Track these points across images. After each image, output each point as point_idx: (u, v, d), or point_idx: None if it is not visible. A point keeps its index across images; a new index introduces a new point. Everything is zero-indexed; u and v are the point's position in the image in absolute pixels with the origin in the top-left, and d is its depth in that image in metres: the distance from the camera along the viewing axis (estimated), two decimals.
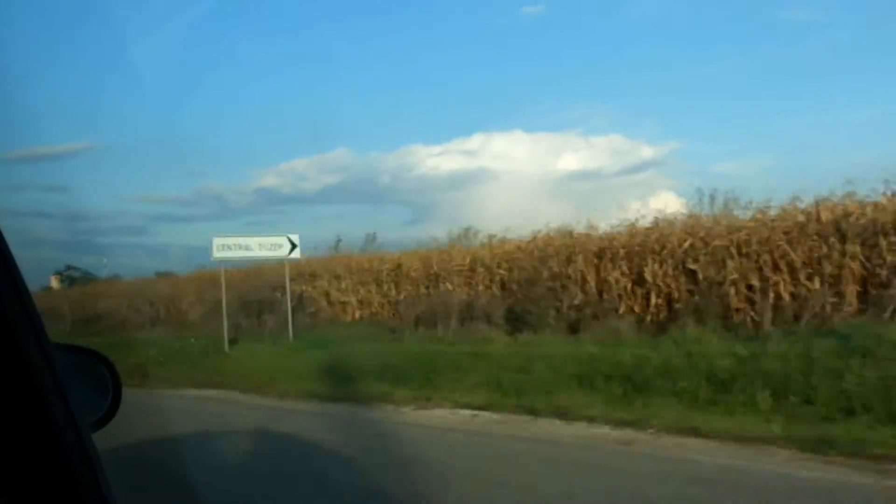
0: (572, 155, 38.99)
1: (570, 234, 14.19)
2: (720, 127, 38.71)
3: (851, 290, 10.18)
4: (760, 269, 10.94)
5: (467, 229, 17.59)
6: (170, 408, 9.49)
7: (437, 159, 41.99)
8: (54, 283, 43.17)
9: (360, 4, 42.82)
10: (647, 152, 40.80)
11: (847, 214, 10.64)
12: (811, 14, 34.28)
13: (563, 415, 7.34)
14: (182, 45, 35.66)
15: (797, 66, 34.41)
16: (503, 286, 14.29)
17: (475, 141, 41.27)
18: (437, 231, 22.25)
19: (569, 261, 13.24)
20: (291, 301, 15.78)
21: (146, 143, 43.73)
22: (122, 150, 44.92)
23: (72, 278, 46.30)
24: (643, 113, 45.03)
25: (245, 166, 54.57)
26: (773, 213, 11.76)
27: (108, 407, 1.75)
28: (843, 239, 10.41)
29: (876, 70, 33.12)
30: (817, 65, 34.37)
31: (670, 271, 12.00)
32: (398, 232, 44.58)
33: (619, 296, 12.59)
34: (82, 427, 1.12)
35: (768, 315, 10.42)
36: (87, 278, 44.79)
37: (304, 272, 17.89)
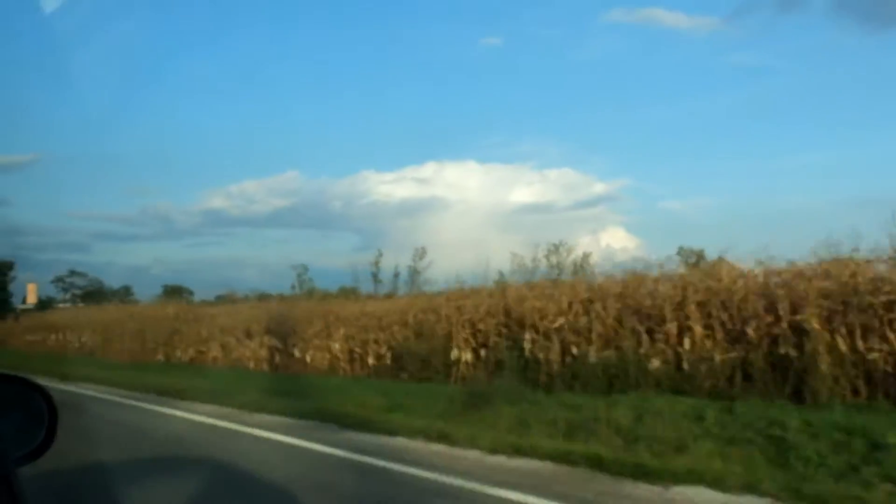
0: (525, 188, 39.82)
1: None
2: (669, 166, 40.19)
3: None
4: None
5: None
6: None
7: (389, 186, 42.72)
8: (31, 295, 40.83)
9: (316, 30, 43.68)
10: (598, 188, 41.85)
11: None
12: (762, 59, 35.87)
13: None
14: (133, 62, 36.59)
15: (745, 109, 36.01)
16: None
17: (428, 169, 41.95)
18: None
19: None
20: None
21: (93, 158, 44.85)
22: (68, 165, 45.10)
23: (75, 287, 44.89)
24: (595, 149, 46.27)
25: (193, 186, 55.41)
26: None
27: (43, 439, 1.68)
28: None
29: (820, 116, 34.83)
30: (765, 109, 36.00)
31: None
32: (346, 259, 45.02)
33: None
34: (7, 462, 1.06)
35: None
36: (95, 289, 43.66)
37: None
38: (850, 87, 35.09)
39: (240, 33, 43.37)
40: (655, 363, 9.51)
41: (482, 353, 11.96)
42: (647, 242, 38.97)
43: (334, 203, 45.03)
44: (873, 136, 34.44)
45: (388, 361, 13.33)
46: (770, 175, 35.67)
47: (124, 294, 43.00)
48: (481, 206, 37.76)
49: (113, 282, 44.75)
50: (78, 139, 43.60)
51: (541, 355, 10.87)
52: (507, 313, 11.93)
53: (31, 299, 41.11)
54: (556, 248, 14.63)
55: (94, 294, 43.08)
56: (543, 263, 14.21)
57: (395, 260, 17.42)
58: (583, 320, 10.69)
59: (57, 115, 42.64)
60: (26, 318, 32.39)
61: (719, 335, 9.19)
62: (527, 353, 11.06)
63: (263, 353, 16.29)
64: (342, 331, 14.51)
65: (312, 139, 44.92)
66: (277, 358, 15.80)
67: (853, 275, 8.38)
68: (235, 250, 46.97)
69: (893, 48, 34.97)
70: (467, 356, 12.14)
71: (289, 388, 12.34)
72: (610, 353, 10.03)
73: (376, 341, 13.63)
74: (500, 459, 6.51)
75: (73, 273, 43.68)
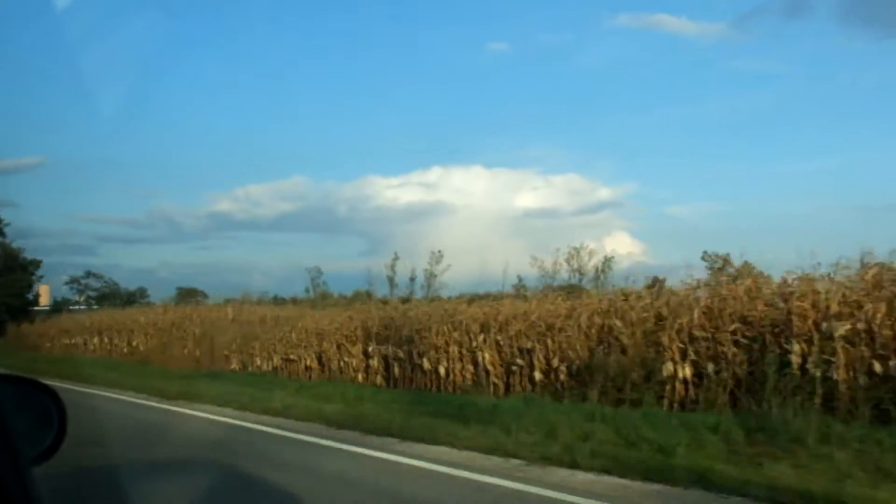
0: (530, 192, 38.91)
1: None
2: (674, 171, 39.29)
3: None
4: None
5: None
6: None
7: (395, 191, 41.99)
8: (44, 296, 40.20)
9: (323, 35, 42.91)
10: (603, 193, 40.97)
11: None
12: (768, 65, 34.77)
13: None
14: (141, 65, 35.84)
15: (752, 114, 35.23)
16: None
17: (434, 174, 41.21)
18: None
19: None
20: None
21: (99, 160, 44.41)
22: (75, 168, 45.17)
23: (90, 289, 43.45)
24: (600, 154, 45.65)
25: (199, 189, 55.50)
26: None
27: (53, 440, 1.69)
28: None
29: (826, 121, 33.74)
30: (771, 114, 35.18)
31: None
32: (352, 263, 44.28)
33: None
34: (23, 463, 1.08)
35: None
36: (110, 290, 42.27)
37: None
38: (856, 92, 35.11)
39: (248, 38, 44.06)
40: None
41: (708, 367, 9.23)
42: (652, 248, 38.59)
43: (340, 207, 44.93)
44: (882, 142, 34.08)
45: (563, 377, 10.58)
46: (776, 180, 35.28)
47: (139, 296, 42.46)
48: (487, 211, 37.96)
49: (121, 284, 43.10)
50: (85, 142, 45.22)
51: (817, 372, 8.12)
52: (744, 317, 9.20)
53: (44, 301, 40.28)
54: (576, 252, 12.97)
55: (109, 296, 42.03)
56: (564, 268, 12.53)
57: (407, 265, 16.72)
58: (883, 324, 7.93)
59: (64, 118, 43.37)
60: (54, 320, 30.12)
61: None
62: (794, 369, 8.31)
63: (375, 363, 13.56)
64: (486, 337, 11.76)
65: (319, 144, 44.42)
66: (397, 370, 13.07)
67: None
68: (241, 254, 47.58)
69: None
70: (685, 371, 9.40)
71: (451, 410, 9.61)
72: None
73: (548, 351, 10.86)
74: None
75: (88, 274, 43.43)
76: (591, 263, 13.98)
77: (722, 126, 39.47)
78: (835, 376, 8.00)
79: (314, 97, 46.18)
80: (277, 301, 25.99)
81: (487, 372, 11.58)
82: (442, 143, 46.50)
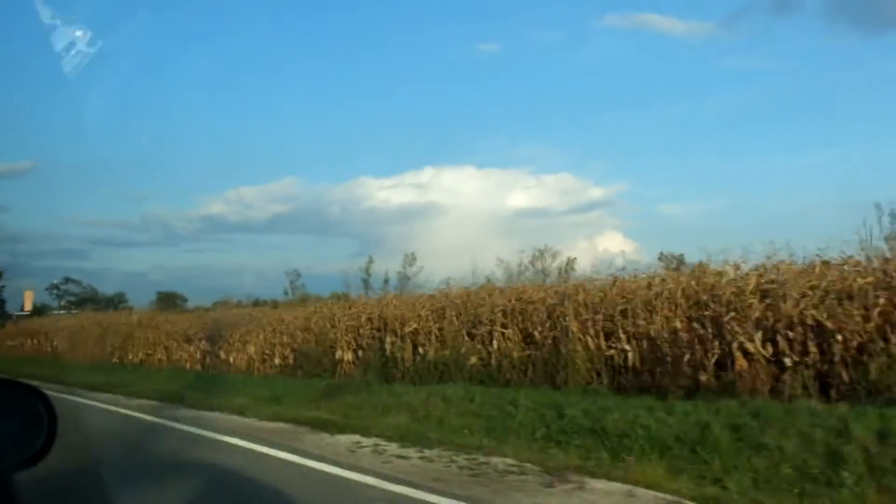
0: (522, 192, 40.30)
1: None
2: (666, 170, 40.99)
3: None
4: None
5: None
6: None
7: (387, 192, 42.84)
8: (28, 302, 40.92)
9: (315, 36, 44.39)
10: (595, 193, 42.34)
11: None
12: (757, 63, 37.29)
13: None
14: (132, 67, 36.08)
15: (742, 112, 37.21)
16: None
17: (426, 174, 42.12)
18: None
19: None
20: None
21: (91, 164, 44.39)
22: (67, 172, 45.00)
23: (70, 295, 45.26)
24: (592, 154, 47.05)
25: (192, 192, 54.94)
26: None
27: (43, 443, 1.69)
28: None
29: (815, 117, 35.86)
30: (761, 111, 37.16)
31: None
32: (344, 264, 43.13)
33: None
34: (4, 466, 1.10)
35: None
36: (89, 296, 44.09)
37: None
38: (845, 89, 36.08)
39: (238, 39, 43.98)
40: (473, 360, 11.89)
41: (360, 353, 14.36)
42: (644, 246, 39.88)
43: (332, 209, 45.49)
44: (873, 138, 34.97)
45: (291, 361, 15.72)
46: (769, 177, 36.66)
47: (118, 301, 43.35)
48: (479, 211, 38.45)
49: (112, 288, 43.99)
50: (76, 146, 44.15)
51: (398, 355, 13.27)
52: (382, 319, 14.32)
53: (28, 306, 41.66)
54: (541, 254, 14.08)
55: (88, 301, 43.56)
56: (530, 268, 13.85)
57: (394, 265, 17.73)
58: (432, 326, 13.08)
59: (55, 122, 43.66)
60: (15, 324, 34.06)
61: (517, 338, 11.58)
62: (388, 353, 13.45)
63: (198, 355, 18.70)
64: (261, 335, 16.92)
65: (310, 145, 45.46)
66: (208, 360, 18.21)
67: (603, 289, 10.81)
68: (234, 256, 47.78)
69: (886, 52, 36.48)
70: (348, 356, 14.53)
71: (200, 383, 14.75)
72: (444, 352, 12.41)
73: (282, 344, 16.03)
74: (266, 424, 9.44)
75: (67, 280, 43.63)
76: (555, 264, 14.46)
77: (714, 124, 41.14)
78: (404, 356, 13.15)
79: (304, 98, 47.22)
80: (258, 303, 25.85)
81: (254, 359, 16.73)
82: (434, 144, 47.13)
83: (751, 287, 9.23)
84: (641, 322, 10.09)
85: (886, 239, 9.16)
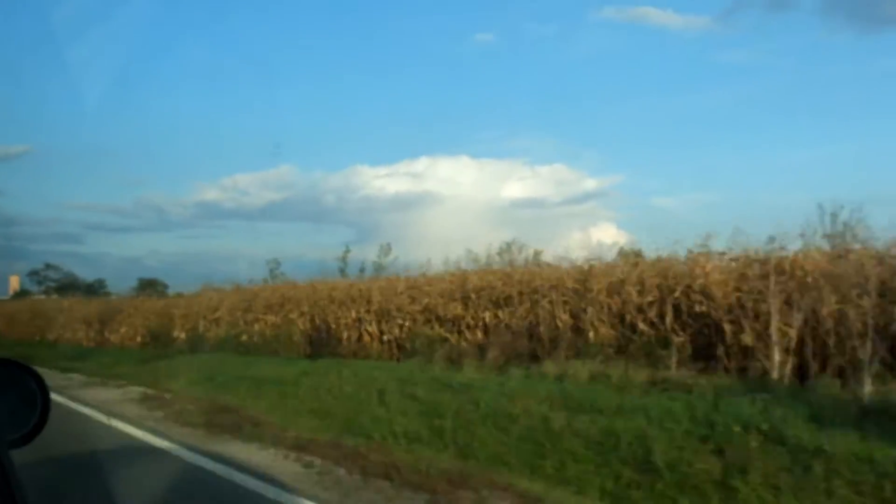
0: (517, 183, 40.75)
1: None
2: (661, 162, 41.11)
3: None
4: None
5: None
6: None
7: (382, 181, 42.75)
8: (14, 285, 43.33)
9: (313, 24, 45.11)
10: (589, 184, 42.10)
11: None
12: (753, 57, 37.42)
13: None
14: (128, 52, 36.96)
15: (738, 106, 36.97)
16: None
17: (421, 164, 41.98)
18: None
19: None
20: None
21: (86, 149, 44.80)
22: (62, 156, 45.56)
23: (49, 280, 48.59)
24: (587, 145, 47.45)
25: (187, 178, 54.50)
26: None
27: (35, 423, 1.71)
28: None
29: (811, 112, 35.79)
30: (757, 106, 37.04)
31: None
32: (340, 252, 45.54)
33: None
34: (1, 445, 1.11)
35: None
36: (69, 282, 47.44)
37: None
38: (841, 84, 36.17)
39: (234, 26, 45.52)
40: (244, 337, 17.32)
41: (190, 333, 19.77)
42: (640, 238, 39.52)
43: (328, 197, 45.27)
44: (868, 133, 35.00)
45: (148, 340, 21.14)
46: (763, 171, 35.58)
47: (98, 287, 44.56)
48: (474, 201, 38.06)
49: (108, 273, 45.35)
50: (71, 130, 44.37)
51: (209, 334, 18.68)
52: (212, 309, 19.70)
53: (12, 290, 43.91)
54: (507, 247, 14.81)
55: (67, 287, 44.63)
56: (496, 260, 14.55)
57: (358, 256, 18.41)
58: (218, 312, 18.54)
59: (50, 106, 43.87)
60: None
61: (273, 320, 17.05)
62: (200, 331, 18.88)
63: (92, 334, 24.10)
64: (132, 320, 22.33)
65: (305, 133, 45.66)
66: (99, 338, 23.62)
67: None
68: (229, 243, 47.60)
69: (882, 48, 36.60)
70: (182, 335, 19.93)
71: (77, 354, 20.13)
72: (220, 331, 17.89)
73: (143, 326, 21.46)
74: (81, 378, 14.53)
75: (48, 266, 45.03)
76: (521, 257, 14.49)
77: (710, 118, 40.13)
78: (207, 336, 18.56)
79: (300, 86, 47.10)
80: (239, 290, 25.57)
81: (125, 338, 22.10)
82: (429, 134, 46.78)
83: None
84: None
85: (828, 237, 9.75)
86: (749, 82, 38.27)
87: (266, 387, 10.88)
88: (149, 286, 37.84)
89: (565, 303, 11.80)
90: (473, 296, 13.14)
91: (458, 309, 13.24)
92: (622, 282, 11.24)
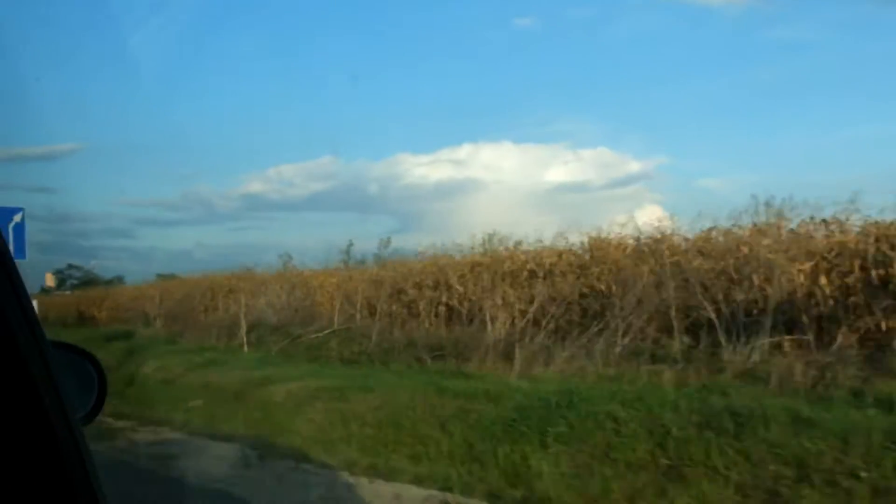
0: (560, 167, 37.92)
1: None
2: (706, 143, 36.04)
3: None
4: None
5: None
6: None
7: (425, 169, 40.88)
8: (49, 281, 45.58)
9: (352, 14, 42.67)
10: (633, 166, 38.32)
11: None
12: (799, 33, 34.22)
13: None
14: (173, 48, 36.72)
15: (785, 84, 32.99)
16: None
17: (464, 151, 39.58)
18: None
19: None
20: None
21: (136, 145, 43.77)
22: (112, 152, 43.03)
23: (72, 279, 46.56)
24: (630, 127, 41.37)
25: (233, 171, 53.95)
26: None
27: (94, 405, 1.80)
28: None
29: (862, 89, 32.18)
30: (804, 83, 34.03)
31: None
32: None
33: None
34: (74, 423, 1.15)
35: None
36: (89, 279, 44.49)
37: None
38: (891, 60, 35.94)
39: (279, 18, 44.11)
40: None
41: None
42: (685, 220, 37.79)
43: (371, 186, 44.38)
44: None
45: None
46: (812, 150, 33.27)
47: (117, 283, 42.88)
48: (518, 186, 36.17)
49: (159, 267, 40.42)
50: (120, 127, 43.93)
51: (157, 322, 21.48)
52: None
53: (49, 284, 46.20)
54: (490, 238, 15.45)
55: (87, 283, 44.91)
56: (478, 249, 15.34)
57: (429, 240, 18.97)
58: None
59: (101, 103, 42.01)
60: None
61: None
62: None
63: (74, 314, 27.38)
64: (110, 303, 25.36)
65: (349, 123, 45.18)
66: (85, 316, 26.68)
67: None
68: (275, 234, 46.86)
69: None
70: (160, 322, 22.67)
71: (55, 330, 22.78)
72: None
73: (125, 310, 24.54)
74: None
75: (70, 266, 45.91)
76: (502, 246, 15.02)
77: (754, 96, 34.29)
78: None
79: (343, 77, 45.22)
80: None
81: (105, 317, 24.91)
82: (470, 121, 44.26)
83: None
84: None
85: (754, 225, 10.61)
86: (795, 59, 36.28)
87: None
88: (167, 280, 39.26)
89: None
90: None
91: None
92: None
